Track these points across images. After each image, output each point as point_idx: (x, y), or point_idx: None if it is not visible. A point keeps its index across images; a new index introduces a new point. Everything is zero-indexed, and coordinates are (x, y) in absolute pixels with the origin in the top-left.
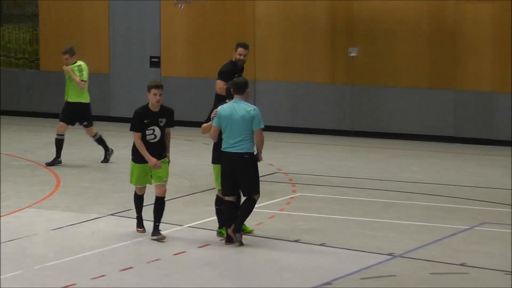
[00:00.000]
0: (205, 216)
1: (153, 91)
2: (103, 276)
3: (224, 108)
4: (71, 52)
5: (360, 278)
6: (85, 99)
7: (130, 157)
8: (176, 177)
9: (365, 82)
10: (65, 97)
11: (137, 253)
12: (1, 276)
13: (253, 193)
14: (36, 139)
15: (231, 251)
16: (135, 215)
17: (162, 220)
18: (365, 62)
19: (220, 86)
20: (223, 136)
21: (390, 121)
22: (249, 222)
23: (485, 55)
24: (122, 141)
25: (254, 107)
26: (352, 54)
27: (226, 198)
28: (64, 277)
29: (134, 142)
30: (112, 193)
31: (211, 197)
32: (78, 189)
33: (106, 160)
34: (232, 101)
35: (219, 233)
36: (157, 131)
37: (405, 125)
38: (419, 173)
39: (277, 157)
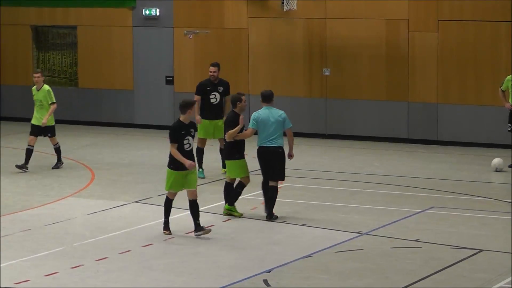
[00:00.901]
0: (210, 203)
1: (193, 108)
2: (129, 251)
3: (260, 114)
4: (42, 72)
5: (334, 252)
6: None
7: (166, 165)
8: None
9: (336, 95)
10: (37, 121)
11: (156, 233)
12: (48, 251)
13: (281, 178)
14: (75, 142)
15: (231, 230)
16: (154, 202)
17: (177, 206)
18: (336, 80)
19: (195, 98)
20: (260, 135)
21: (356, 126)
22: (244, 208)
23: (430, 74)
24: (143, 143)
25: (283, 111)
26: (325, 73)
27: (270, 183)
28: (97, 252)
29: (170, 153)
30: (135, 185)
31: (215, 188)
32: (108, 181)
33: (56, 167)
34: (264, 107)
35: (227, 210)
36: (191, 140)
37: (368, 129)
38: (379, 167)
39: None
